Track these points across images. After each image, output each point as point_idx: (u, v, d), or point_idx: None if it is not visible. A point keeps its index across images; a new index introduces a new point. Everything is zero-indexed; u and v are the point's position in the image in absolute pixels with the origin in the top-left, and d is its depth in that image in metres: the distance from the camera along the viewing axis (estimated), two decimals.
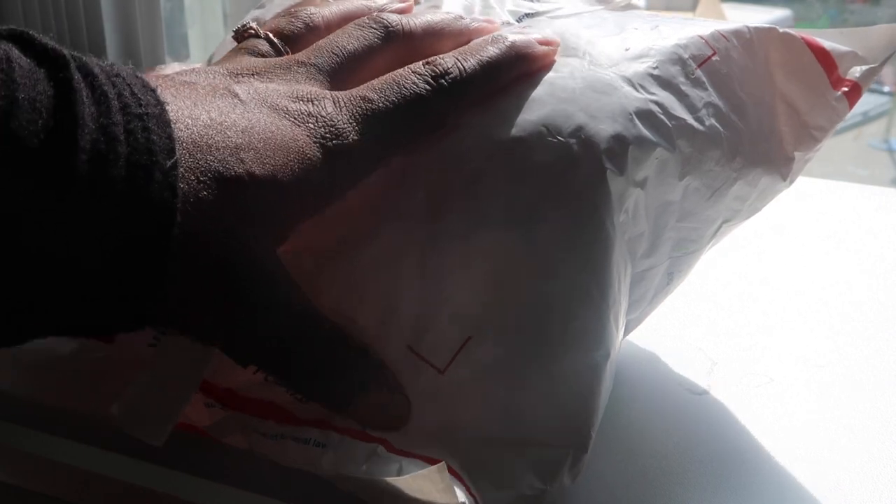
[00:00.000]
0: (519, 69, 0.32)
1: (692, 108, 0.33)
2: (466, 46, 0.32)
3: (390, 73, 0.31)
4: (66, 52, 0.25)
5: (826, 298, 0.46)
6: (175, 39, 0.93)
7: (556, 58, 0.33)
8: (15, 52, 0.24)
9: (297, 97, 0.29)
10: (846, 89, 0.36)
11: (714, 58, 0.34)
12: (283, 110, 0.28)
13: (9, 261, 0.23)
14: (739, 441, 0.35)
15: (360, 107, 0.29)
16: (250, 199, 0.27)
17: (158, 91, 0.26)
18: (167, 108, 0.26)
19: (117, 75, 0.26)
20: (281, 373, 0.29)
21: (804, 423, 0.36)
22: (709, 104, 0.33)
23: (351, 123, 0.29)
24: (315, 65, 0.31)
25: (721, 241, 0.38)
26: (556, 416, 0.29)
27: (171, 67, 0.38)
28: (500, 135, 0.31)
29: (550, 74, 0.32)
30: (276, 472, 0.32)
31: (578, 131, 0.30)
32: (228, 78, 0.29)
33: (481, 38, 0.33)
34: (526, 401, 0.29)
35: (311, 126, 0.28)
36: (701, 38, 0.34)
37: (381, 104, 0.30)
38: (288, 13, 0.35)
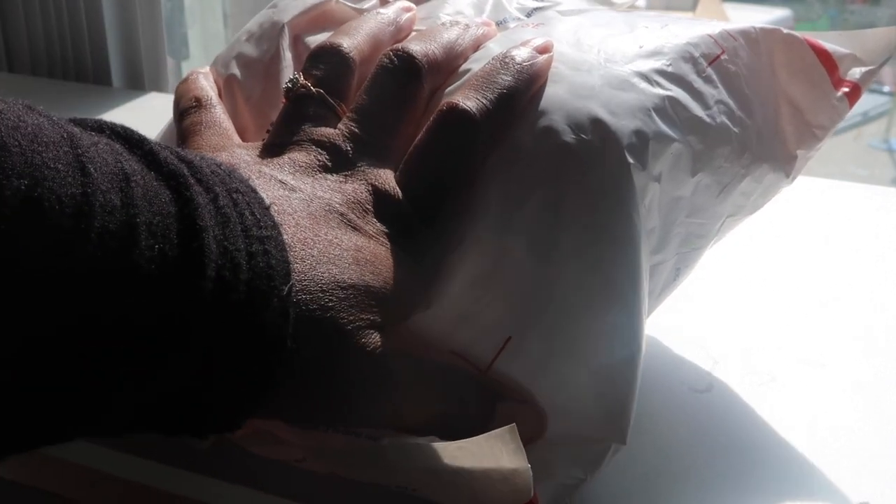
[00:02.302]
0: (531, 91, 0.32)
1: (705, 105, 0.33)
2: (481, 84, 0.32)
3: (434, 153, 0.31)
4: (183, 162, 0.26)
5: (827, 298, 0.46)
6: (175, 39, 0.93)
7: (573, 54, 0.33)
8: (135, 167, 0.24)
9: (380, 212, 0.30)
10: (847, 90, 0.37)
11: (723, 56, 0.35)
12: (379, 234, 0.30)
13: (118, 374, 0.23)
14: (741, 439, 0.35)
15: (424, 200, 0.31)
16: (366, 302, 0.28)
17: (272, 210, 0.27)
18: (281, 229, 0.27)
19: (236, 191, 0.27)
20: (424, 429, 0.29)
21: (805, 422, 0.36)
22: (719, 101, 0.34)
23: (418, 218, 0.31)
24: (376, 150, 0.32)
25: (723, 238, 0.38)
26: (597, 411, 0.30)
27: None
28: (523, 137, 0.31)
29: (568, 71, 0.33)
30: (282, 470, 0.33)
31: (601, 128, 0.31)
32: (317, 187, 0.30)
33: (491, 68, 0.33)
34: (566, 397, 0.30)
35: (400, 244, 0.30)
36: (710, 36, 0.35)
37: (435, 191, 0.31)
38: (326, 51, 0.34)
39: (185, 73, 0.39)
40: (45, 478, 0.35)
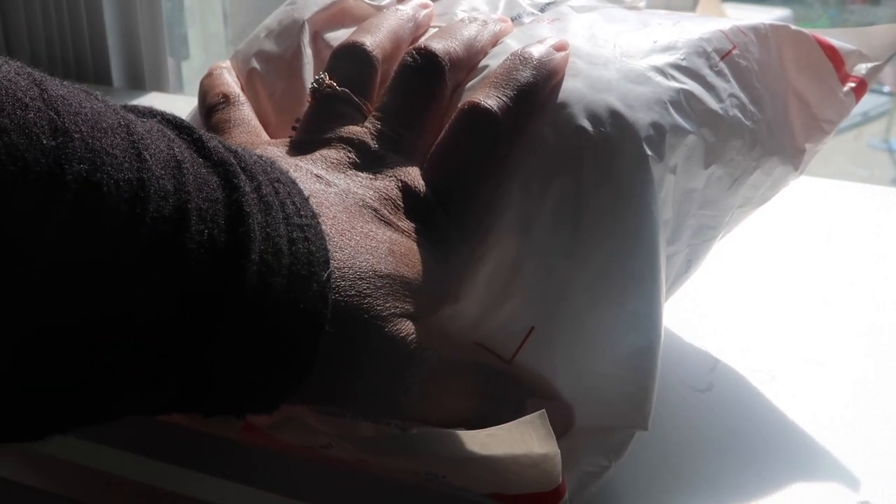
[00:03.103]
0: (549, 86, 0.33)
1: (718, 98, 0.34)
2: (501, 81, 0.32)
3: (459, 150, 0.32)
4: (230, 152, 0.26)
5: (827, 297, 0.46)
6: (175, 39, 0.93)
7: (589, 49, 0.34)
8: (186, 154, 0.25)
9: (409, 209, 0.31)
10: (853, 85, 0.37)
11: (734, 51, 0.35)
12: (410, 230, 0.31)
13: (163, 354, 0.24)
14: (741, 438, 0.35)
15: (450, 196, 0.32)
16: (401, 292, 0.29)
17: (310, 201, 0.28)
18: (320, 219, 0.28)
19: (277, 181, 0.27)
20: (455, 422, 0.30)
21: (806, 421, 0.36)
22: (732, 95, 0.34)
23: (444, 214, 0.31)
24: (402, 147, 0.32)
25: (731, 230, 0.38)
26: (619, 398, 0.30)
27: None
28: (543, 130, 0.32)
29: (585, 66, 0.33)
30: (282, 469, 0.33)
31: (619, 120, 0.31)
32: (351, 183, 0.31)
33: (510, 64, 0.33)
34: (588, 386, 0.30)
35: (430, 240, 0.31)
36: (722, 32, 0.36)
37: (460, 188, 0.32)
38: (349, 50, 0.35)
39: (185, 73, 0.40)
40: (46, 478, 0.35)
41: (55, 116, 0.22)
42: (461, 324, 0.31)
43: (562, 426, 0.30)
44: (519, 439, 0.27)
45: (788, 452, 0.34)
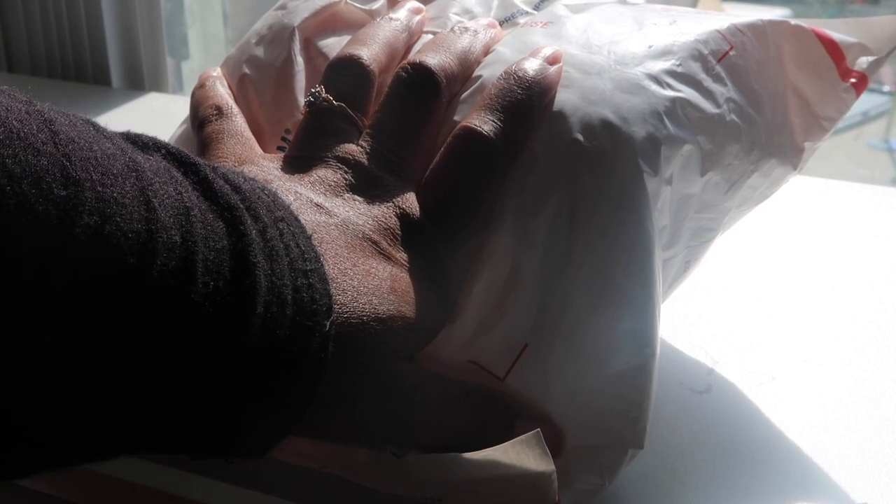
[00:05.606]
0: (544, 103, 0.32)
1: (715, 104, 0.33)
2: (496, 104, 0.32)
3: (455, 176, 0.31)
4: (235, 191, 0.26)
5: (826, 297, 0.46)
6: (175, 39, 0.93)
7: (583, 57, 0.33)
8: (193, 199, 0.24)
9: (407, 238, 0.31)
10: (854, 80, 0.37)
11: (732, 52, 0.35)
12: (408, 262, 0.30)
13: (161, 402, 0.24)
14: (740, 440, 0.35)
15: (446, 222, 0.31)
16: (402, 331, 0.29)
17: (313, 239, 0.28)
18: (323, 259, 0.27)
19: (282, 219, 0.27)
20: (451, 446, 0.30)
21: (805, 422, 0.36)
22: (729, 99, 0.34)
23: (441, 240, 0.31)
24: (398, 167, 0.32)
25: (730, 228, 0.38)
26: (613, 417, 0.30)
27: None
28: (536, 145, 0.31)
29: (579, 76, 0.33)
30: (281, 471, 0.33)
31: (613, 134, 0.31)
32: (350, 211, 0.30)
33: (504, 84, 0.32)
34: (582, 403, 0.30)
35: (426, 270, 0.30)
36: (719, 32, 0.35)
37: (457, 214, 0.31)
38: (346, 63, 0.34)
39: (184, 73, 0.39)
40: (45, 480, 0.35)
41: (67, 164, 0.21)
42: (455, 342, 0.30)
43: (551, 449, 0.29)
44: (515, 459, 0.27)
45: (788, 454, 0.34)
